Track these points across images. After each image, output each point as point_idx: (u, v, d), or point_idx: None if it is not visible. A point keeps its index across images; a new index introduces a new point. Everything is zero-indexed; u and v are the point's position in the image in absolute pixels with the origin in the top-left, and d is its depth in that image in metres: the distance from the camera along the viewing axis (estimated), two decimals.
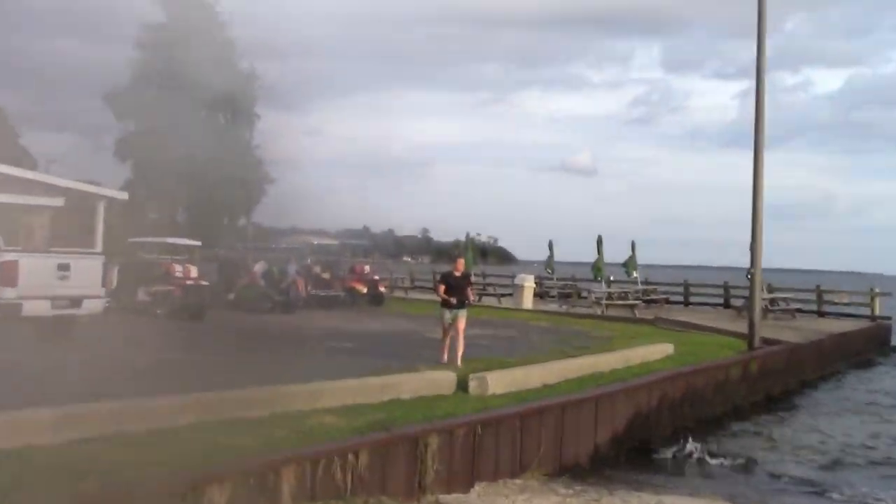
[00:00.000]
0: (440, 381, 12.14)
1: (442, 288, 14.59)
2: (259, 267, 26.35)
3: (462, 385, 12.28)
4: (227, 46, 38.26)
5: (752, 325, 20.69)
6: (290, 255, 28.98)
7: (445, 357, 14.37)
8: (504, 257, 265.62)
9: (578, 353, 16.88)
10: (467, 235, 38.88)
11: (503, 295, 35.41)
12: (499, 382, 12.43)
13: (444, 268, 29.90)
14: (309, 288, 27.57)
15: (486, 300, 34.50)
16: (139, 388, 10.06)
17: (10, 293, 13.81)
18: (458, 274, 14.69)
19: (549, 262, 37.71)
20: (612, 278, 36.51)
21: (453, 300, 14.41)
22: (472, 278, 37.71)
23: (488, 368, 13.86)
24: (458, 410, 10.80)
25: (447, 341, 14.54)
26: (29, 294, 13.93)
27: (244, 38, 38.63)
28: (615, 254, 35.42)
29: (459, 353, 14.34)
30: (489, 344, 19.03)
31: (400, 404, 10.86)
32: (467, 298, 14.61)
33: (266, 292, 25.36)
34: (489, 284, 38.24)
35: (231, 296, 25.61)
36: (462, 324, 14.45)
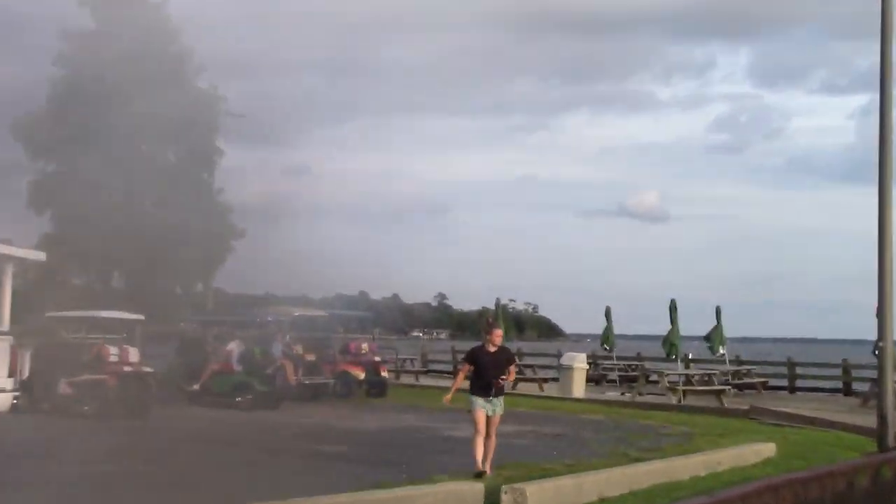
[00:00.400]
0: (463, 494, 11.95)
1: (466, 368, 14.20)
2: (234, 347, 26.28)
3: (492, 498, 12.09)
4: (178, 60, 38.75)
5: (883, 418, 20.32)
6: (275, 332, 28.97)
7: (481, 462, 14.07)
8: (547, 330, 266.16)
9: (647, 457, 16.64)
10: (498, 302, 38.75)
11: (546, 380, 35.19)
12: (541, 496, 12.23)
13: (468, 345, 29.84)
14: (299, 374, 27.54)
15: (524, 387, 34.26)
16: None
17: None
18: (493, 349, 14.15)
19: (607, 336, 37.46)
20: (690, 356, 36.20)
21: (488, 387, 13.90)
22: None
23: (527, 477, 13.63)
24: None
25: (481, 441, 14.09)
26: None
27: (203, 49, 39.07)
28: (694, 324, 35.29)
29: (490, 457, 14.13)
30: (529, 444, 18.85)
31: None
32: (502, 385, 14.09)
33: (244, 381, 25.26)
34: (527, 366, 38.04)
35: (196, 385, 25.56)
36: (496, 422, 14.13)
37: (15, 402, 15.90)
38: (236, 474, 13.88)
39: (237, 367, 25.71)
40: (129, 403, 21.84)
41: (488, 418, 13.97)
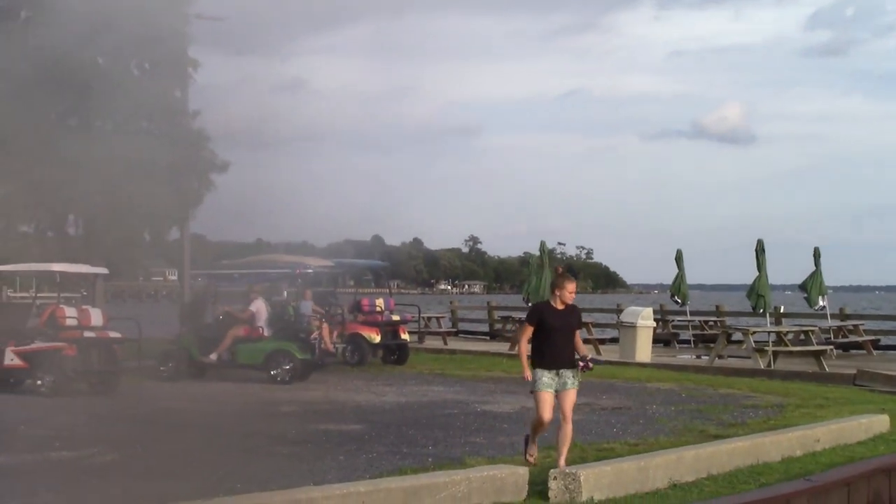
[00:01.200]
0: (503, 481, 12.12)
1: (528, 331, 13.48)
2: (260, 307, 26.41)
3: (539, 486, 12.29)
4: None
5: None
6: (303, 286, 29.18)
7: (535, 453, 13.82)
8: (604, 280, 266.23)
9: (728, 434, 16.81)
10: (543, 247, 38.77)
11: (604, 341, 35.36)
12: (598, 482, 12.39)
13: (507, 300, 29.68)
14: (335, 338, 27.95)
15: None
16: None
17: None
18: (561, 307, 13.52)
19: (678, 287, 37.53)
20: (783, 310, 36.27)
21: (558, 356, 13.31)
22: None
23: (581, 460, 13.84)
24: None
25: (544, 428, 13.49)
26: None
27: None
28: (787, 271, 35.26)
29: (564, 451, 13.39)
30: (583, 420, 19.02)
31: None
32: (580, 355, 13.51)
33: (281, 348, 25.54)
34: (581, 324, 38.13)
35: (213, 356, 25.78)
36: (571, 400, 13.41)
37: None
38: (222, 461, 14.11)
39: (263, 331, 25.95)
40: (92, 376, 22.18)
41: (559, 396, 13.29)
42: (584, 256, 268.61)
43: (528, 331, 13.48)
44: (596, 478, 12.40)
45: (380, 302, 31.47)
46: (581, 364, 13.42)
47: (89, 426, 17.39)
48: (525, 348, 13.55)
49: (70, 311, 22.77)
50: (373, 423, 18.21)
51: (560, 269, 13.98)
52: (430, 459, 14.32)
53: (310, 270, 30.04)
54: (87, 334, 22.15)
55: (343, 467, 13.71)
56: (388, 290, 36.27)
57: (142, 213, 37.45)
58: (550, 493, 12.12)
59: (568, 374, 13.32)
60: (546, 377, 13.20)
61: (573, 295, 13.52)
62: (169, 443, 15.66)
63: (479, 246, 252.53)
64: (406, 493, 11.23)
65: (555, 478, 12.22)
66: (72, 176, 35.11)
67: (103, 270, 26.46)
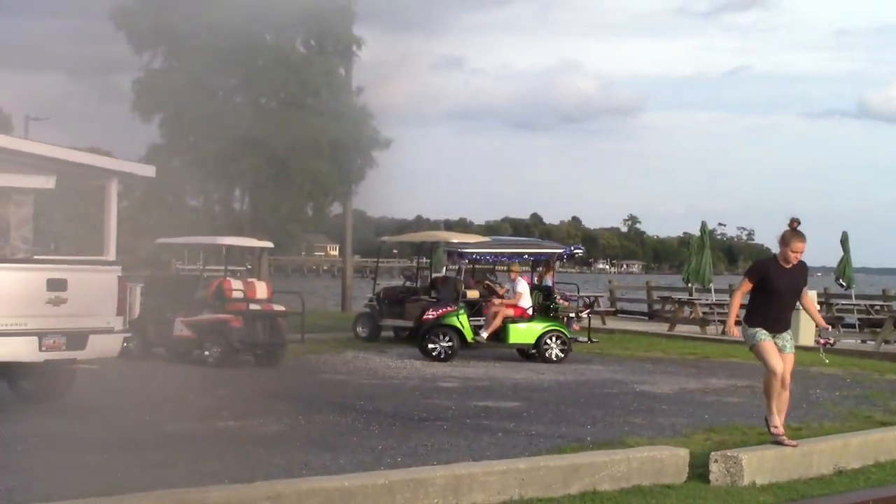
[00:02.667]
0: (663, 462, 12.04)
1: (747, 287, 12.89)
2: (523, 287, 26.44)
3: (699, 469, 12.19)
4: None
5: None
6: (546, 266, 29.43)
7: (780, 424, 12.91)
8: None
9: None
10: (704, 227, 38.33)
11: None
12: (760, 466, 12.23)
13: (666, 280, 29.30)
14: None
15: (737, 332, 34.01)
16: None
17: None
18: (788, 266, 12.78)
19: (843, 270, 36.84)
20: None
21: (777, 321, 12.78)
22: (714, 296, 37.43)
23: (742, 443, 13.66)
24: None
25: (779, 383, 12.65)
26: (3, 328, 14.58)
27: None
28: None
29: (782, 417, 12.99)
30: (744, 402, 18.85)
31: (597, 499, 10.87)
32: (820, 328, 13.43)
33: (555, 329, 25.96)
34: (742, 306, 37.63)
35: (484, 334, 25.62)
36: (790, 363, 12.85)
37: (125, 344, 16.53)
38: (383, 434, 14.26)
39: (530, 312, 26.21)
40: (258, 347, 22.56)
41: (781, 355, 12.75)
42: (744, 237, 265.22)
43: (746, 287, 12.85)
44: (758, 462, 12.25)
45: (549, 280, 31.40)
46: (822, 341, 13.26)
47: (254, 397, 17.73)
48: (738, 303, 12.99)
49: (236, 284, 23.16)
50: (531, 401, 18.22)
51: (793, 223, 12.56)
52: (588, 439, 14.28)
53: (580, 251, 30.40)
54: (253, 307, 22.51)
55: (502, 444, 13.75)
56: (547, 268, 36.19)
57: (306, 189, 38.04)
58: (711, 476, 12.01)
59: (786, 337, 12.78)
60: (763, 333, 12.63)
61: (799, 255, 12.67)
62: (330, 415, 15.86)
63: (637, 225, 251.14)
64: (565, 472, 11.23)
65: (716, 460, 12.09)
66: (238, 152, 35.80)
67: (268, 244, 26.91)
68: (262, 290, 23.39)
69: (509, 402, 18.10)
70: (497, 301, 26.13)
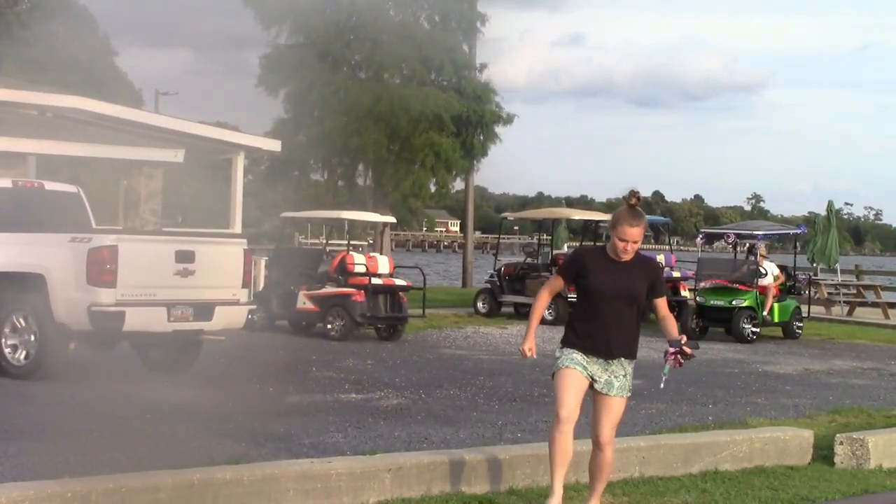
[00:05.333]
0: (786, 443, 11.91)
1: (556, 285, 8.88)
2: (769, 267, 27.02)
3: (824, 451, 12.02)
4: None
5: None
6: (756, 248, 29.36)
7: (558, 486, 8.71)
8: (893, 243, 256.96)
9: None
10: (830, 206, 37.77)
11: (894, 304, 34.32)
12: (887, 449, 12.03)
13: (792, 259, 29.10)
14: None
15: (864, 313, 33.56)
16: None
17: (105, 297, 14.62)
18: (621, 259, 8.57)
19: None
20: None
21: (604, 338, 8.60)
22: (839, 276, 36.93)
23: (868, 426, 13.47)
24: (815, 494, 10.55)
25: (564, 441, 8.57)
26: (134, 298, 14.88)
27: None
28: None
29: (599, 488, 8.99)
30: (870, 385, 18.59)
31: (718, 479, 10.77)
32: (671, 338, 8.77)
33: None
34: (867, 287, 37.10)
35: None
36: (615, 412, 8.75)
37: (250, 317, 16.78)
38: (503, 409, 14.31)
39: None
40: (378, 322, 22.73)
41: (597, 397, 8.67)
42: (872, 217, 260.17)
43: (556, 285, 8.86)
44: (885, 445, 12.06)
45: (661, 258, 31.22)
46: (672, 353, 8.69)
47: (376, 370, 17.87)
48: (541, 308, 8.87)
49: (359, 258, 23.34)
50: (651, 379, 18.08)
51: (632, 198, 8.47)
52: (710, 418, 14.18)
53: (801, 230, 30.60)
54: (375, 281, 22.66)
55: (622, 422, 13.62)
56: (668, 247, 36.00)
57: (428, 165, 38.19)
58: (836, 459, 11.85)
59: (617, 372, 8.61)
60: (578, 358, 8.55)
61: (631, 245, 8.46)
62: (451, 390, 15.95)
63: (761, 204, 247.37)
64: (686, 451, 11.18)
65: (841, 443, 11.93)
66: (362, 127, 36.06)
67: (391, 219, 27.08)
68: (383, 264, 23.54)
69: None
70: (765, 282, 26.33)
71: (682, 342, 8.67)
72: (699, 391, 16.84)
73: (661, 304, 8.85)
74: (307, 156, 37.60)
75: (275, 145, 26.43)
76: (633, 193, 8.50)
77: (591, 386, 8.57)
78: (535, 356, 8.69)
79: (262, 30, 37.78)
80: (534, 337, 8.70)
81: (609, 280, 8.47)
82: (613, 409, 8.62)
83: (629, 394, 8.68)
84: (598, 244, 29.74)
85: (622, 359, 8.61)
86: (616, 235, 8.43)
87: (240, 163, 24.75)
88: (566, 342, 8.63)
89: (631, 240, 8.39)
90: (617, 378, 8.58)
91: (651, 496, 9.95)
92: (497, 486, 9.67)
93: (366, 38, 37.24)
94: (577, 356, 8.51)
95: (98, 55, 53.41)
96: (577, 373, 8.48)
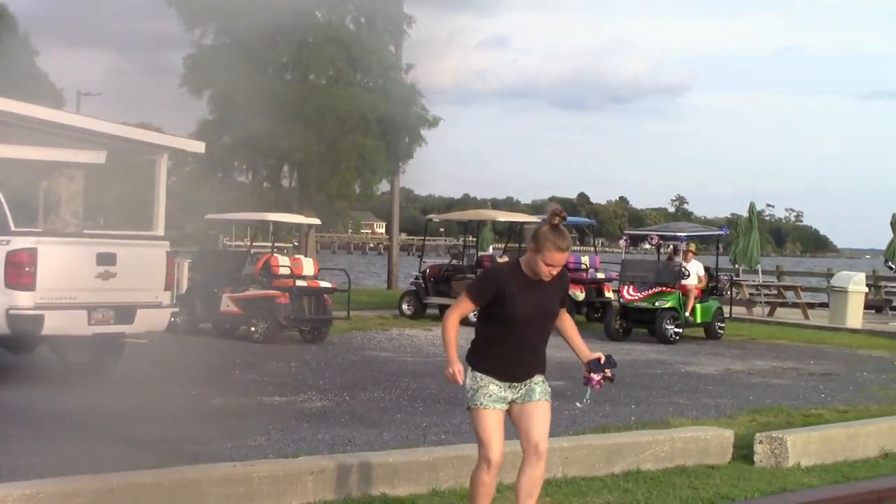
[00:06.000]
0: (707, 443, 12.00)
1: (464, 308, 7.86)
2: (697, 267, 27.22)
3: (743, 450, 12.14)
4: None
5: None
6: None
7: None
8: (813, 244, 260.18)
9: None
10: (752, 208, 38.14)
11: (813, 305, 34.72)
12: (805, 448, 12.16)
13: (710, 261, 29.21)
14: None
15: (785, 313, 33.92)
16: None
17: (24, 300, 14.44)
18: (540, 280, 7.88)
19: (893, 252, 36.52)
20: None
21: (519, 361, 8.01)
22: (761, 277, 37.25)
23: (787, 425, 13.61)
24: (735, 493, 10.65)
25: (488, 482, 7.93)
26: (53, 301, 14.69)
27: None
28: None
29: None
30: (790, 384, 18.78)
31: (640, 479, 10.84)
32: (587, 360, 8.34)
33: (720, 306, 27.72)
34: (788, 287, 37.54)
35: None
36: (541, 418, 8.05)
37: (173, 319, 16.66)
38: (427, 411, 14.32)
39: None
40: (302, 325, 22.65)
41: (517, 412, 7.96)
42: (793, 219, 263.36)
43: (466, 307, 7.85)
44: (803, 443, 12.18)
45: (585, 260, 31.44)
46: (596, 380, 8.25)
47: (299, 373, 17.80)
48: (454, 335, 7.80)
49: (283, 261, 23.26)
50: (575, 380, 18.11)
51: (554, 217, 7.71)
52: (632, 418, 14.27)
53: (723, 232, 30.85)
54: (300, 283, 22.59)
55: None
56: (593, 248, 36.20)
57: (353, 166, 38.11)
58: (756, 458, 11.95)
59: (535, 380, 8.00)
60: (494, 386, 7.86)
61: (558, 269, 7.77)
62: (375, 392, 15.93)
63: (685, 206, 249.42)
64: (609, 451, 11.23)
65: (761, 442, 12.04)
66: (288, 129, 35.88)
67: (316, 221, 27.01)
68: (308, 266, 23.47)
69: (553, 381, 17.97)
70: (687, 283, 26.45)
71: (604, 367, 8.17)
72: (622, 392, 16.91)
73: (566, 316, 8.21)
74: (232, 157, 37.38)
75: (199, 147, 26.18)
76: (557, 213, 7.71)
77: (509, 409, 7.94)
78: (462, 381, 7.73)
79: (186, 30, 37.52)
80: (456, 359, 7.69)
81: (531, 303, 7.75)
82: (543, 411, 7.94)
83: (550, 398, 8.04)
84: (512, 257, 29.81)
85: (536, 375, 8.03)
86: (542, 259, 7.65)
87: (163, 164, 24.49)
88: (478, 367, 7.84)
89: (558, 265, 7.71)
90: (536, 384, 7.97)
91: (573, 496, 9.99)
92: (420, 487, 9.67)
93: (292, 40, 37.08)
94: (494, 388, 7.79)
95: (18, 55, 52.67)
96: (497, 412, 7.81)
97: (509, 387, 7.86)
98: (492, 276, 7.98)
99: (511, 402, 7.89)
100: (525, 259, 7.83)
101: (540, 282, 7.77)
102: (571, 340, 8.23)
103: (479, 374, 7.83)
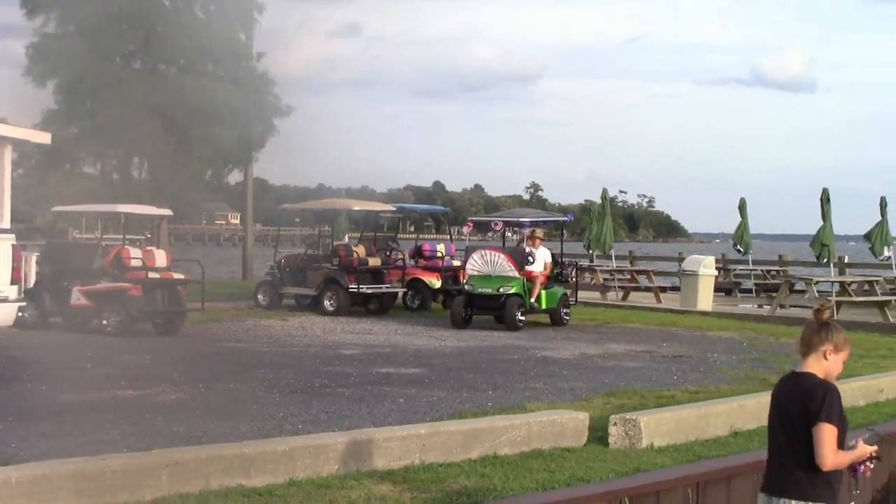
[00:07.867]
0: (563, 426, 12.14)
1: None
2: (544, 253, 27.15)
3: (599, 432, 12.31)
4: None
5: None
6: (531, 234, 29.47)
7: None
8: (665, 228, 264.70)
9: None
10: (605, 194, 38.61)
11: (665, 289, 35.32)
12: (658, 428, 12.38)
13: (568, 247, 29.41)
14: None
15: (638, 297, 34.43)
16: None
17: None
18: None
19: (741, 236, 37.37)
20: (846, 260, 35.94)
21: None
22: (614, 262, 37.77)
23: (641, 406, 13.82)
24: (590, 474, 10.78)
25: None
26: None
27: None
28: (852, 221, 34.93)
29: None
30: (643, 367, 19.05)
31: (497, 464, 10.92)
32: None
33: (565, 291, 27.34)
34: (641, 272, 38.13)
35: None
36: None
37: (21, 314, 16.30)
38: (284, 401, 14.22)
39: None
40: (155, 317, 22.36)
41: None
42: (645, 205, 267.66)
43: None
44: (656, 424, 12.40)
45: (441, 247, 31.60)
46: (859, 467, 6.95)
47: (153, 366, 17.57)
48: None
49: (135, 253, 22.93)
50: (433, 367, 18.26)
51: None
52: (489, 404, 14.35)
53: (567, 218, 30.82)
54: (152, 275, 22.30)
55: (403, 410, 13.78)
56: (448, 236, 36.38)
57: (205, 156, 37.71)
58: (610, 439, 12.14)
59: None
60: None
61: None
62: (231, 383, 15.79)
63: (539, 193, 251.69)
64: (466, 437, 11.29)
65: (615, 423, 12.22)
66: (137, 118, 35.35)
67: (167, 212, 26.59)
68: (161, 258, 23.15)
69: (411, 368, 18.12)
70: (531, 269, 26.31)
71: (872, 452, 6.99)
72: (479, 377, 17.03)
73: None
74: (79, 148, 36.69)
75: (44, 138, 25.63)
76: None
77: None
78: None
79: (28, 18, 36.75)
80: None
81: None
82: None
83: None
84: (367, 246, 29.85)
85: None
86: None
87: (7, 156, 23.89)
88: None
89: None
90: None
91: (431, 483, 10.02)
92: (277, 477, 9.62)
93: (139, 28, 36.54)
94: None
95: None
96: None
97: None
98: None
99: None
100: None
101: None
102: None
103: None
